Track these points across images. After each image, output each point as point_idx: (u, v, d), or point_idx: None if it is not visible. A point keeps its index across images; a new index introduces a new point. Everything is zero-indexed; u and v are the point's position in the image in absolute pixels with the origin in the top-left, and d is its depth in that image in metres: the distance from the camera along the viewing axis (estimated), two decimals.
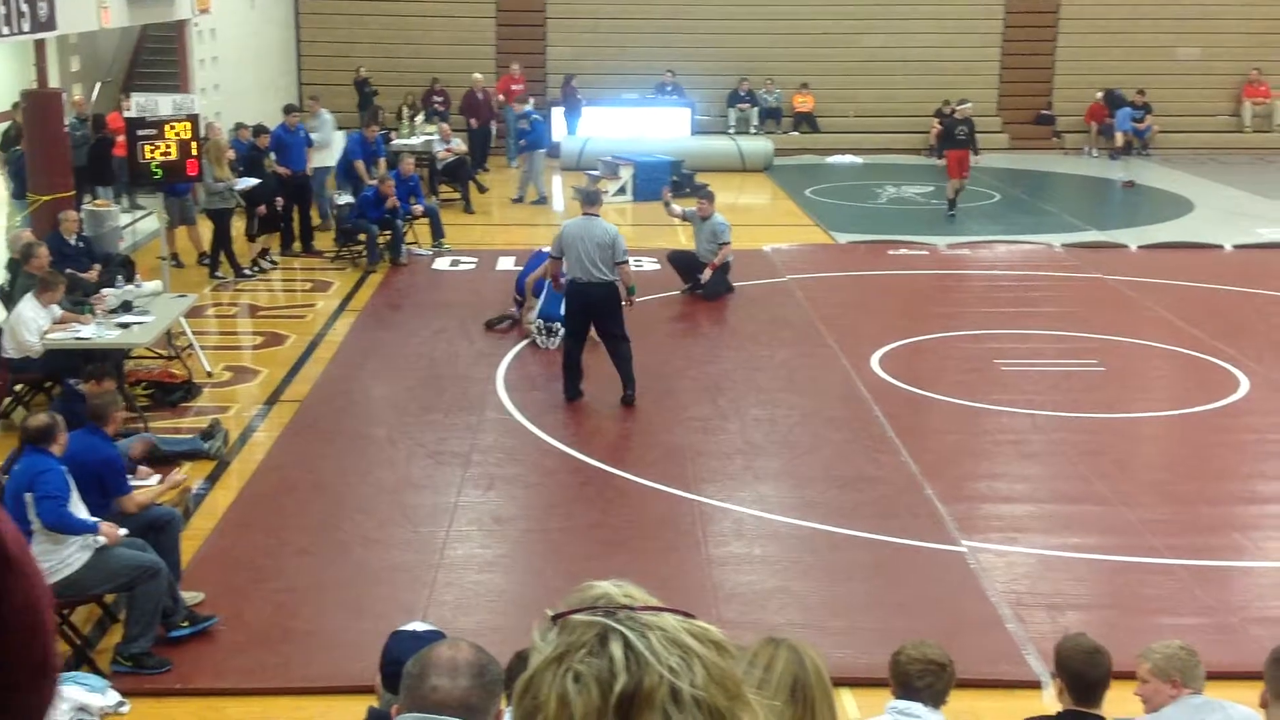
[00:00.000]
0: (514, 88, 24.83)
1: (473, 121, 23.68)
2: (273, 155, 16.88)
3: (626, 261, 11.16)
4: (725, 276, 15.04)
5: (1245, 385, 11.69)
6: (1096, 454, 10.27)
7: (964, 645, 6.83)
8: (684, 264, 15.15)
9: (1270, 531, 9.00)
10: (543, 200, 21.19)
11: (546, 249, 12.63)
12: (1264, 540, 8.82)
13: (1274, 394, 11.54)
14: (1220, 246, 17.80)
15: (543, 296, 12.94)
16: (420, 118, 23.80)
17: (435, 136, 21.43)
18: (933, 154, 25.73)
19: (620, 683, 1.41)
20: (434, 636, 3.33)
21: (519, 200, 21.13)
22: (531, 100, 23.41)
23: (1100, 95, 26.75)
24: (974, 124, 20.09)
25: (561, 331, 12.75)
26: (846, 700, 6.53)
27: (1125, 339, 13.22)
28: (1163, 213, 20.32)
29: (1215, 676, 6.59)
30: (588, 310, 11.13)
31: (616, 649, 1.43)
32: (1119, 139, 26.12)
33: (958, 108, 20.39)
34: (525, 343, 12.94)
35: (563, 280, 11.35)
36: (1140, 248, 17.75)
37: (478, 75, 24.40)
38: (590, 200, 11.55)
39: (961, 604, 7.68)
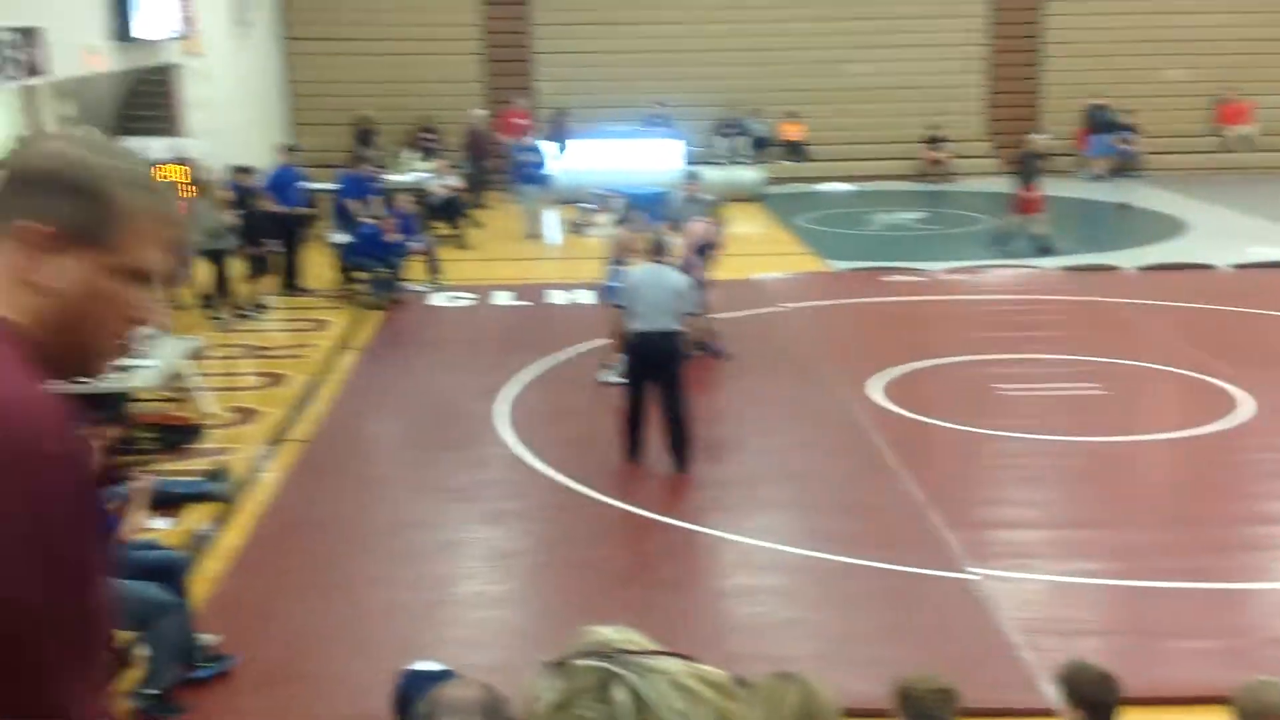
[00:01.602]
0: (517, 122, 25.01)
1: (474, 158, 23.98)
2: (268, 194, 16.93)
3: (695, 313, 10.80)
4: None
5: (1247, 405, 11.71)
6: (1100, 477, 10.29)
7: (973, 673, 6.82)
8: None
9: (1278, 552, 9.00)
10: (539, 234, 21.27)
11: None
12: (1272, 561, 8.83)
13: (1275, 414, 11.56)
14: (1214, 266, 17.87)
15: None
16: (412, 154, 23.89)
17: (429, 174, 21.49)
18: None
19: None
20: (445, 675, 3.32)
21: (535, 236, 21.18)
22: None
23: (1086, 116, 26.82)
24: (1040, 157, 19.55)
25: None
26: None
27: (1125, 361, 13.25)
28: (1156, 234, 20.40)
29: (1228, 700, 6.62)
30: (654, 364, 10.42)
31: (620, 694, 1.42)
32: (1097, 164, 26.22)
33: (1029, 138, 19.90)
34: (529, 378, 12.83)
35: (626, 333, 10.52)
36: (1136, 269, 17.81)
37: (479, 111, 24.57)
38: (659, 249, 10.97)
39: (970, 632, 7.67)
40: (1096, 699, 4.84)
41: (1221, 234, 20.01)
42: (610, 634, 1.49)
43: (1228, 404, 11.80)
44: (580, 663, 1.44)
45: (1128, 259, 18.35)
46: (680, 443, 10.35)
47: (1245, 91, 27.30)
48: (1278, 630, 7.76)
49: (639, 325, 10.34)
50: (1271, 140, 27.35)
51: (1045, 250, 18.65)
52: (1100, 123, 26.44)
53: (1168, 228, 20.92)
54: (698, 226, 13.55)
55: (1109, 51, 27.10)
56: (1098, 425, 11.41)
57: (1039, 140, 19.26)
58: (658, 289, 10.36)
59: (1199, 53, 27.24)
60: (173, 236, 1.80)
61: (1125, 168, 26.62)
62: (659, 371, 10.40)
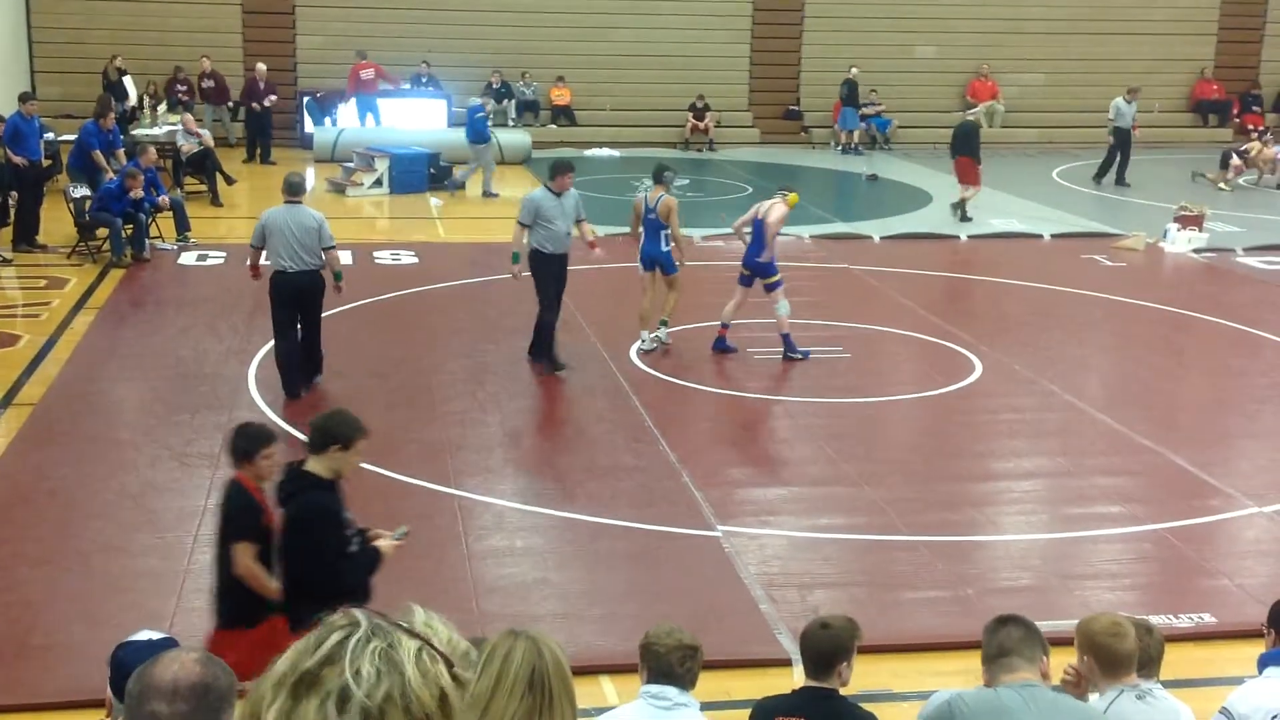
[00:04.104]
0: (364, 76, 24.40)
1: (254, 105, 23.63)
2: (4, 145, 15.98)
3: (334, 247, 11.13)
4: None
5: (979, 368, 12.34)
6: (843, 437, 10.67)
7: (718, 627, 7.03)
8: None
9: (1003, 507, 9.52)
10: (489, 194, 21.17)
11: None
12: (997, 515, 9.33)
13: (1004, 376, 12.22)
14: (956, 237, 18.71)
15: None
16: (163, 107, 22.91)
17: (179, 127, 20.63)
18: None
19: (306, 664, 1.52)
20: (166, 644, 3.18)
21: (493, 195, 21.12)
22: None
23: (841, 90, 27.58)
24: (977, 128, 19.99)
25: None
26: (606, 687, 6.62)
27: (869, 326, 13.77)
28: (903, 205, 21.22)
29: (954, 647, 6.99)
30: (297, 299, 10.95)
31: (334, 638, 1.54)
32: (844, 136, 27.01)
33: (968, 113, 20.47)
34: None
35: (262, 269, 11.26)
36: (883, 238, 18.49)
37: (261, 65, 23.79)
38: (295, 189, 11.17)
39: (716, 587, 7.87)
40: (812, 646, 4.93)
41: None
42: (418, 612, 1.60)
43: (963, 367, 12.40)
44: (358, 612, 1.56)
45: (876, 228, 19.04)
46: (315, 369, 11.22)
47: (992, 70, 28.60)
48: (998, 580, 8.22)
49: (280, 264, 10.82)
50: (1013, 117, 28.76)
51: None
52: (853, 96, 27.10)
53: (915, 199, 21.78)
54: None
55: (865, 27, 27.99)
56: (842, 387, 11.83)
57: (974, 116, 20.13)
58: (296, 229, 10.77)
59: (948, 30, 28.41)
60: None
61: (877, 140, 27.58)
62: (303, 307, 10.99)
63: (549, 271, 11.97)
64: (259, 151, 23.57)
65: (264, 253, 11.11)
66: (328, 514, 5.76)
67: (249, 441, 6.07)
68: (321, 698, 1.49)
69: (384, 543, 5.93)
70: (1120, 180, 23.36)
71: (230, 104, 24.71)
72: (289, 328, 11.01)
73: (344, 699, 1.48)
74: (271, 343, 12.30)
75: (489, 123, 21.73)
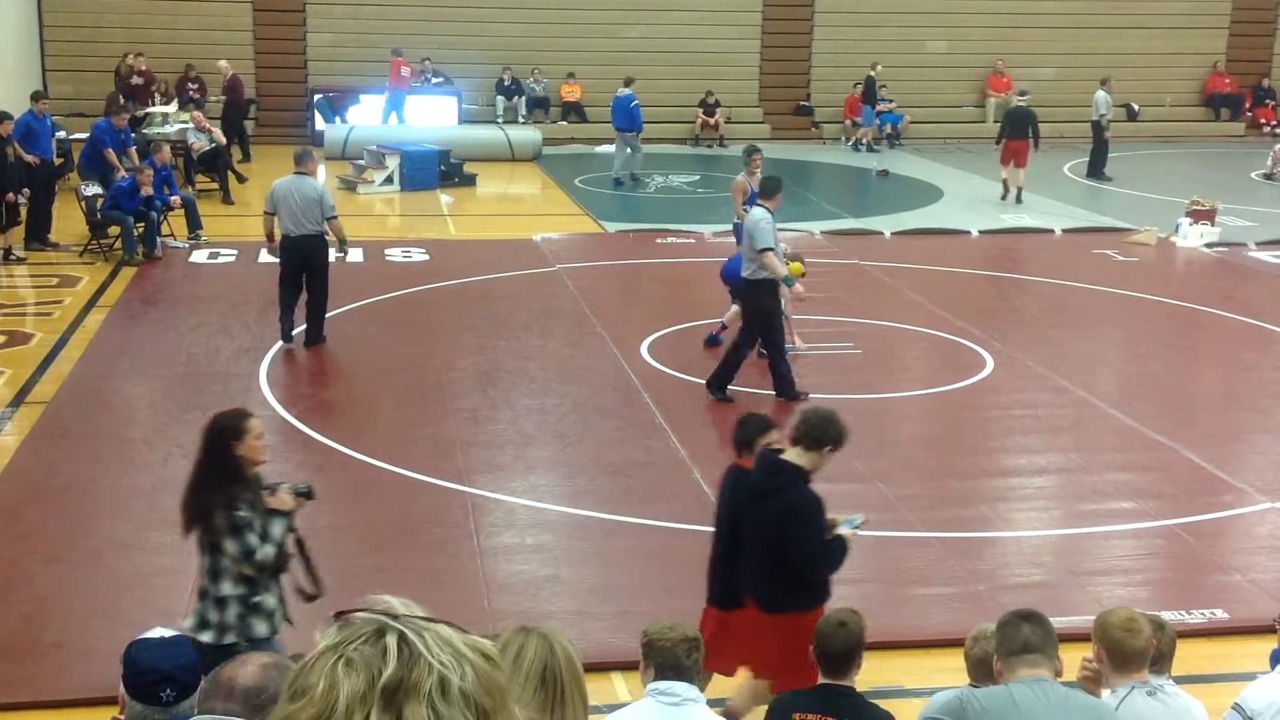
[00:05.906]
0: (404, 73, 24.57)
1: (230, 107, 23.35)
2: (16, 143, 16.01)
3: (335, 217, 12.20)
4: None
5: (990, 364, 12.31)
6: (854, 433, 10.54)
7: None
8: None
9: (1014, 503, 9.51)
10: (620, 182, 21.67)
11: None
12: (1009, 512, 9.31)
13: (1016, 372, 12.19)
14: (967, 232, 18.67)
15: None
16: (174, 105, 22.95)
17: (190, 125, 20.67)
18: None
19: (389, 670, 1.48)
20: (177, 641, 3.25)
21: (621, 183, 21.70)
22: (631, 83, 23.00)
23: (857, 88, 27.55)
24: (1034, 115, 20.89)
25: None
26: (617, 684, 6.63)
27: (881, 322, 13.75)
28: (915, 200, 21.18)
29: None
30: (301, 261, 12.13)
31: (390, 640, 1.50)
32: (864, 133, 26.92)
33: (1017, 98, 21.45)
34: (297, 338, 12.53)
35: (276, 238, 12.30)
36: (894, 234, 18.46)
37: (222, 63, 23.69)
38: (300, 160, 12.24)
39: None
40: (828, 644, 4.96)
41: (976, 201, 20.91)
42: (395, 602, 1.55)
43: (974, 363, 12.37)
44: (360, 615, 1.52)
45: (887, 224, 19.00)
46: (318, 326, 12.36)
47: (1007, 65, 28.48)
48: (1010, 577, 8.20)
49: (286, 229, 12.07)
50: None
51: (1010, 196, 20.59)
52: (871, 94, 27.00)
53: (926, 195, 21.74)
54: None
55: (876, 22, 27.92)
56: (853, 383, 11.82)
57: (1024, 99, 21.19)
58: (298, 198, 11.97)
59: (959, 25, 28.32)
60: None
61: (890, 136, 27.51)
62: (307, 269, 12.17)
63: (772, 300, 11.06)
64: (244, 152, 23.46)
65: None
66: (822, 507, 5.97)
67: (744, 432, 6.43)
68: (424, 697, 1.47)
69: (845, 530, 6.13)
70: (1100, 174, 23.20)
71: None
72: (291, 283, 12.24)
73: (444, 689, 1.48)
74: (280, 343, 12.42)
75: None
